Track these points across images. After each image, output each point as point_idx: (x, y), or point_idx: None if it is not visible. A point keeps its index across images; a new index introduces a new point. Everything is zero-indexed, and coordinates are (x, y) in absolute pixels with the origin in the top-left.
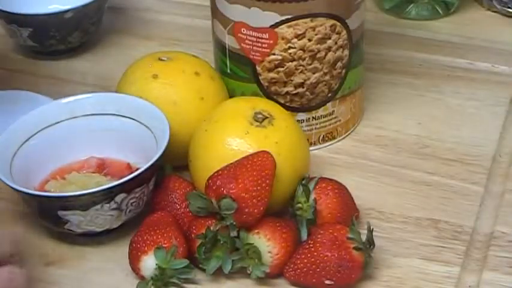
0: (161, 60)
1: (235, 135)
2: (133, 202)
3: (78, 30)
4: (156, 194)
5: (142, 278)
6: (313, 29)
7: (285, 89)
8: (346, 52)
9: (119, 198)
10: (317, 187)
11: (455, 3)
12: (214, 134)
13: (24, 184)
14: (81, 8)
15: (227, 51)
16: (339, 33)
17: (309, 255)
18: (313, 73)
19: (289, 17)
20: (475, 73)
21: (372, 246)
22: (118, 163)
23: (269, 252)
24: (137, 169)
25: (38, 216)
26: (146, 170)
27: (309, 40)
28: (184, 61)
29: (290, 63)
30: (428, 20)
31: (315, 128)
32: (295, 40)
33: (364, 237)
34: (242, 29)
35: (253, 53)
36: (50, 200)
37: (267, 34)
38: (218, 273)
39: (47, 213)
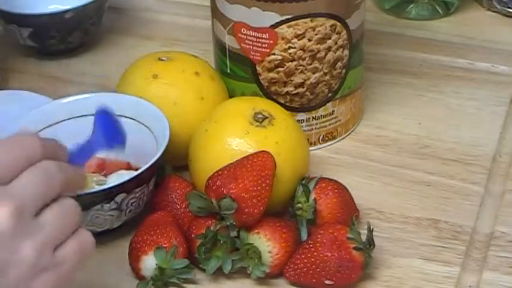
0: (161, 60)
1: (235, 135)
2: (133, 202)
3: (78, 30)
4: (156, 194)
5: (142, 278)
6: (313, 29)
7: (285, 89)
8: (346, 52)
9: (119, 198)
10: (317, 187)
11: (455, 3)
12: (214, 134)
13: None
14: (81, 8)
15: (227, 51)
16: (339, 33)
17: (309, 255)
18: (313, 73)
19: (289, 17)
20: (475, 73)
21: (372, 246)
22: (118, 163)
23: (269, 252)
24: (137, 169)
25: None
26: (146, 170)
27: (309, 40)
28: (184, 61)
29: (290, 63)
30: (428, 20)
31: (315, 128)
32: (295, 40)
33: (364, 237)
34: (242, 29)
35: (253, 53)
36: None
37: (267, 34)
38: (218, 273)
39: None
